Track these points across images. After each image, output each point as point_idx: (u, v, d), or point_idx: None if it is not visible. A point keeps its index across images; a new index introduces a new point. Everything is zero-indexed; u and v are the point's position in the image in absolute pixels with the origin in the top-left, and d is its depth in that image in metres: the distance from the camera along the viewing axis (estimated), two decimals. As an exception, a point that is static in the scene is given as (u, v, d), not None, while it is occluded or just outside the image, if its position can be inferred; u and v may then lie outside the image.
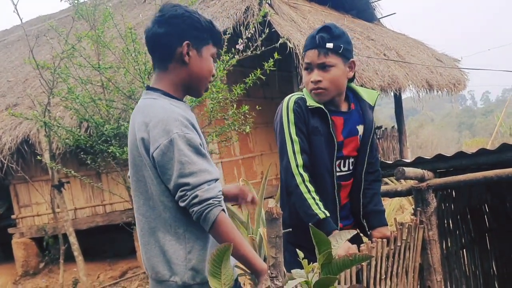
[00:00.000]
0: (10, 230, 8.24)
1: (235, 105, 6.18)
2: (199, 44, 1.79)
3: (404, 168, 2.58)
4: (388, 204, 6.83)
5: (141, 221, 1.76)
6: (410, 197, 7.14)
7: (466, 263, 3.26)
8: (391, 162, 3.04)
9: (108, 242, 7.96)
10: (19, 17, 6.82)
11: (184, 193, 1.63)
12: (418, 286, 2.79)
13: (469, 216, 3.33)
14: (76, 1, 6.85)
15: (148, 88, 1.82)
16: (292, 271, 1.38)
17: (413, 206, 6.73)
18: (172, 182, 1.64)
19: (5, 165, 7.57)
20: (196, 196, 1.62)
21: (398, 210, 7.21)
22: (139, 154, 1.71)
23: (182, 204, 1.65)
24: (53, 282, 7.49)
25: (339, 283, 1.91)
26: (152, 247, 1.75)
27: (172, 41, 1.76)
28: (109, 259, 7.72)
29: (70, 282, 6.98)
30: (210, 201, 1.63)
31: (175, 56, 1.77)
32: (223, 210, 1.67)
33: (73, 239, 6.76)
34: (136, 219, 1.80)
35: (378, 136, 10.70)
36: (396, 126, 11.39)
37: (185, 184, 1.63)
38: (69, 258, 6.92)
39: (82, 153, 6.51)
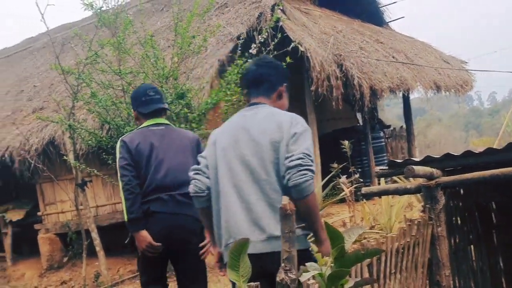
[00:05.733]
0: (36, 226, 8.60)
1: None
2: (286, 87, 2.57)
3: (413, 166, 2.69)
4: (397, 202, 7.02)
5: (257, 194, 2.26)
6: (418, 195, 7.34)
7: (473, 258, 3.34)
8: (400, 161, 3.17)
9: (128, 238, 8.27)
10: (46, 26, 7.27)
11: (306, 159, 2.16)
12: (427, 281, 2.90)
13: (476, 213, 3.39)
14: (99, 10, 7.23)
15: (256, 103, 2.47)
16: (306, 264, 1.49)
17: (422, 204, 6.87)
18: (300, 149, 2.18)
19: (32, 165, 7.96)
20: (311, 166, 2.16)
21: (406, 208, 7.41)
22: (274, 142, 2.27)
23: (295, 162, 2.15)
24: (76, 275, 7.83)
25: (350, 277, 2.12)
26: (268, 211, 2.23)
27: (277, 81, 2.53)
28: (128, 254, 8.04)
29: (92, 275, 7.30)
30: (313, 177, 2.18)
31: (276, 91, 2.52)
32: None
33: (95, 234, 7.10)
34: (249, 194, 2.28)
35: (387, 136, 10.91)
36: (404, 126, 11.59)
37: (309, 155, 2.18)
38: (91, 253, 7.21)
39: (104, 153, 6.85)
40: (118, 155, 3.34)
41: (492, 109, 39.36)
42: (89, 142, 6.88)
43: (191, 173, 2.46)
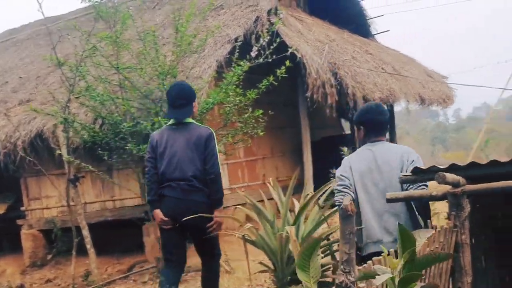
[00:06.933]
0: (18, 222, 8.28)
1: (250, 109, 6.52)
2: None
3: (445, 173, 2.75)
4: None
5: (384, 207, 3.16)
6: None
7: (486, 267, 3.37)
8: (425, 168, 3.21)
9: (117, 237, 8.11)
10: (43, 15, 7.11)
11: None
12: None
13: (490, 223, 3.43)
14: (96, 2, 7.09)
15: (376, 141, 3.36)
16: (374, 267, 1.48)
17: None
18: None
19: (18, 158, 7.69)
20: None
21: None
22: (396, 168, 3.22)
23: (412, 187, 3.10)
24: (61, 273, 7.59)
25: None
26: (393, 218, 3.16)
27: (388, 121, 3.57)
28: (117, 254, 7.87)
29: (79, 274, 7.11)
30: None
31: (387, 128, 3.60)
32: None
33: (86, 232, 6.90)
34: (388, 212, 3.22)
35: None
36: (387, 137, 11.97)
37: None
38: (78, 250, 7.05)
39: (99, 149, 6.68)
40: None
41: (457, 125, 40.76)
42: (84, 137, 6.72)
43: (340, 188, 3.30)
